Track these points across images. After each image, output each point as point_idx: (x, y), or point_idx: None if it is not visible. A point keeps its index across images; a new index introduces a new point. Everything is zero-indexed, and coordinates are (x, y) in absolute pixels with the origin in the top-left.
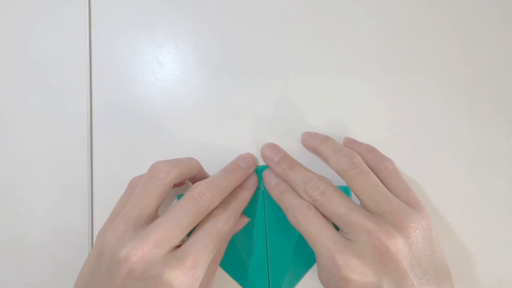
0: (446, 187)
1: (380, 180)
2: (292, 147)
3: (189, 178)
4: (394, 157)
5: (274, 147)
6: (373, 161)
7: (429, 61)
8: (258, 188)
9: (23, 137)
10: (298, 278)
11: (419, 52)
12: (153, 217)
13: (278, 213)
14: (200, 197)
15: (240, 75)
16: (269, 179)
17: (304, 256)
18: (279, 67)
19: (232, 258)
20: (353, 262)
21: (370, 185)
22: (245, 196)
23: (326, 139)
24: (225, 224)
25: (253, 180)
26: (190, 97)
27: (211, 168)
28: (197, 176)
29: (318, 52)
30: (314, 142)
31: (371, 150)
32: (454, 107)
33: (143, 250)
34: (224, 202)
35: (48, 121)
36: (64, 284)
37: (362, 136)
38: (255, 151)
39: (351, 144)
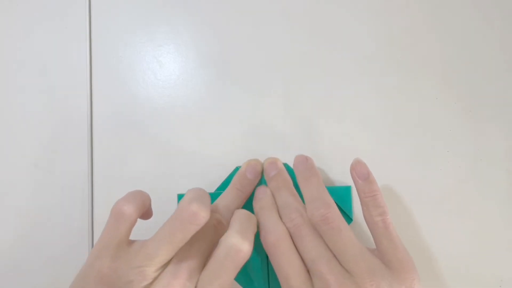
0: (446, 187)
1: (371, 232)
2: (292, 146)
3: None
4: (394, 157)
5: (273, 163)
6: (368, 211)
7: (429, 61)
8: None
9: (23, 137)
10: None
11: (419, 52)
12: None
13: None
14: (219, 224)
15: (240, 75)
16: (258, 193)
17: None
18: (279, 67)
19: None
20: None
21: (341, 243)
22: (255, 219)
23: (308, 178)
24: (245, 259)
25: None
26: (190, 97)
27: (211, 167)
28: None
29: (318, 51)
30: (298, 177)
31: (372, 195)
32: (454, 107)
33: (180, 284)
34: (244, 232)
35: (48, 121)
36: (64, 284)
37: (362, 136)
38: (255, 150)
39: (358, 177)
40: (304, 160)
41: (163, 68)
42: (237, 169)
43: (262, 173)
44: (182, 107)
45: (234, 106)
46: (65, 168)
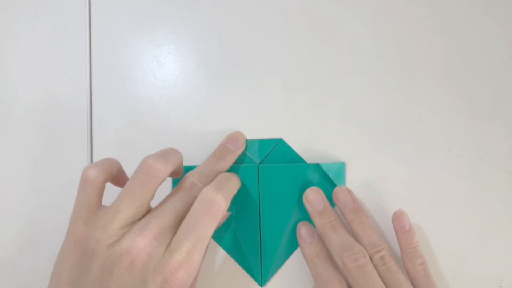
0: (446, 187)
1: (410, 278)
2: (292, 145)
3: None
4: (394, 157)
5: (319, 194)
6: (410, 260)
7: (429, 61)
8: (253, 163)
9: (23, 137)
10: (289, 252)
11: (419, 52)
12: (147, 211)
13: (273, 189)
14: (192, 187)
15: (240, 75)
16: (305, 235)
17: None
18: (279, 67)
19: (225, 231)
20: None
21: (395, 281)
22: (238, 182)
23: (362, 222)
24: (219, 212)
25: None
26: (190, 97)
27: None
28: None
29: (318, 51)
30: (351, 218)
31: (414, 247)
32: (454, 107)
33: (144, 242)
34: (220, 187)
35: (48, 121)
36: None
37: (363, 136)
38: None
39: (401, 227)
40: (349, 199)
41: (163, 68)
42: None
43: (244, 144)
44: (182, 107)
45: (234, 106)
46: (65, 168)
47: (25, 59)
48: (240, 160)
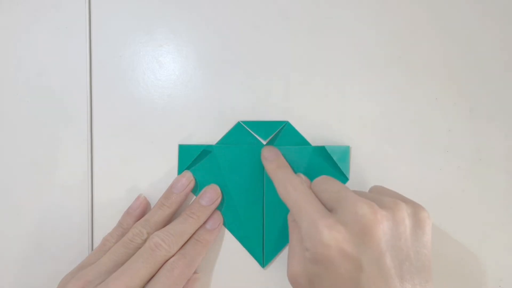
0: (446, 187)
1: None
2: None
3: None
4: (394, 157)
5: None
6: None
7: (429, 61)
8: (259, 144)
9: (23, 137)
10: None
11: (419, 52)
12: None
13: None
14: (157, 247)
15: (240, 75)
16: (268, 155)
17: None
18: (280, 67)
19: (229, 211)
20: (337, 227)
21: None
22: (207, 239)
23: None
24: (182, 273)
25: (218, 220)
26: (190, 97)
27: None
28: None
29: (318, 52)
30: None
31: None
32: (454, 107)
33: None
34: (184, 248)
35: (48, 121)
36: None
37: (362, 136)
38: None
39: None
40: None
41: (163, 68)
42: (238, 124)
43: (218, 198)
44: (182, 107)
45: (235, 107)
46: (65, 168)
47: (25, 59)
48: (246, 140)
